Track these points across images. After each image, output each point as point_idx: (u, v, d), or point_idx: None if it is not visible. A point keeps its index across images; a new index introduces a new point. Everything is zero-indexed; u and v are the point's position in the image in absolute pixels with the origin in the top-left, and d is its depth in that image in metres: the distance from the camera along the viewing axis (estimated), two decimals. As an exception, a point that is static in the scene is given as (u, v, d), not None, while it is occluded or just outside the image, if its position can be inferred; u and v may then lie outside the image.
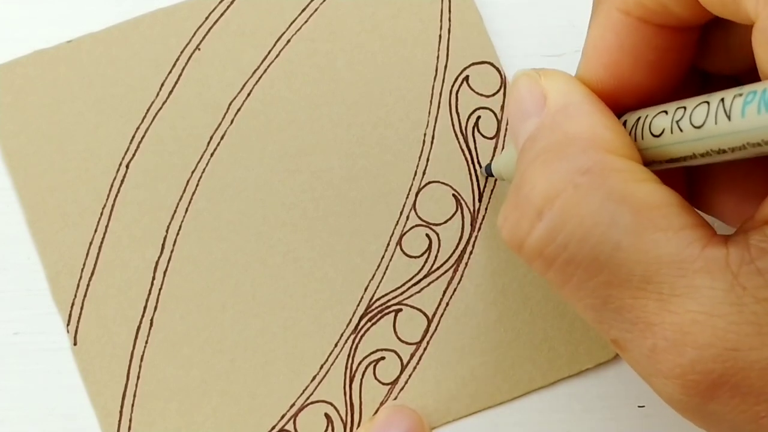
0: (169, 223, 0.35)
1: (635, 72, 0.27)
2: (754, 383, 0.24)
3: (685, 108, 0.25)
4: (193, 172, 0.35)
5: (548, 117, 0.27)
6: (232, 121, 0.35)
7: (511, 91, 0.28)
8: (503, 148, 0.36)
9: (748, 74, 0.27)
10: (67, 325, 0.34)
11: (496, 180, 0.36)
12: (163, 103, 0.35)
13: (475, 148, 0.36)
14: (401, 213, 0.35)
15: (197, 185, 0.35)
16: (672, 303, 0.24)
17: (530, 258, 0.26)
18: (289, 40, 0.36)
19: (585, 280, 0.25)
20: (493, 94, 0.36)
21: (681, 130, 0.25)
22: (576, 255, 0.25)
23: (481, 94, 0.36)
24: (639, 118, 0.26)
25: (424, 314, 0.35)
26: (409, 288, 0.35)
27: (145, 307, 0.34)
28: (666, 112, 0.25)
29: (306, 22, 0.36)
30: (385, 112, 0.36)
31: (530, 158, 0.26)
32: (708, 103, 0.24)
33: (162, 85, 0.35)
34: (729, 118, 0.23)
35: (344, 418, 0.35)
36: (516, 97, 0.28)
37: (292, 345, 0.35)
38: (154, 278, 0.35)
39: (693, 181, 0.30)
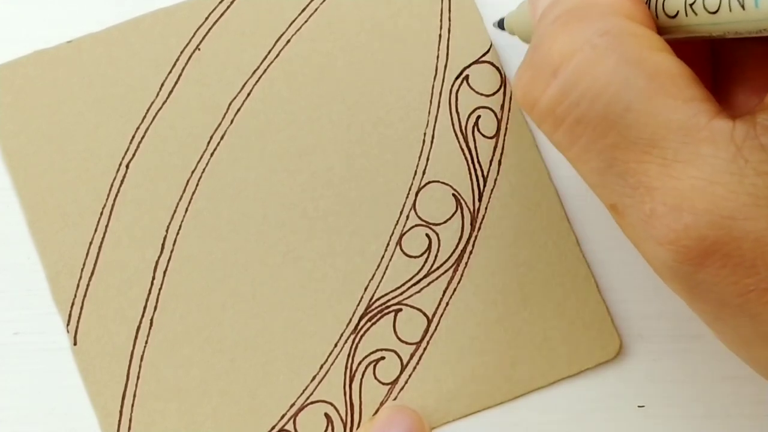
0: (169, 223, 0.35)
1: None
2: (745, 254, 0.24)
3: None
4: (193, 172, 0.35)
5: None
6: (232, 121, 0.35)
7: None
8: (504, 148, 0.36)
9: None
10: (67, 325, 0.34)
11: (496, 180, 0.36)
12: (163, 103, 0.35)
13: (475, 147, 0.36)
14: (401, 213, 0.35)
15: (197, 185, 0.35)
16: (674, 168, 0.25)
17: (542, 117, 0.26)
18: (289, 40, 0.36)
19: (593, 140, 0.26)
20: (493, 94, 0.36)
21: (696, 14, 0.25)
22: (587, 113, 0.25)
23: (481, 94, 0.36)
24: None
25: (424, 314, 0.35)
26: (409, 288, 0.35)
27: (145, 307, 0.35)
28: None
29: (306, 22, 0.36)
30: (385, 112, 0.36)
31: (550, 20, 0.27)
32: None
33: (162, 85, 0.35)
34: (743, 7, 0.24)
35: (344, 418, 0.35)
36: None
37: (292, 345, 0.35)
38: (154, 278, 0.35)
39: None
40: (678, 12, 0.26)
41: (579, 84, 0.25)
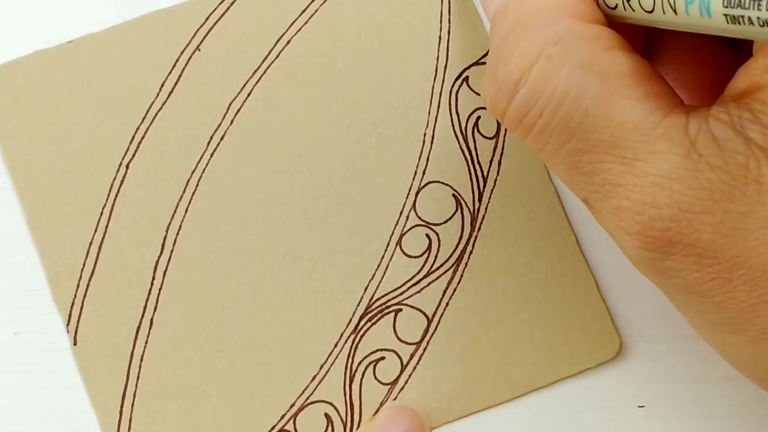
0: (169, 223, 0.35)
1: None
2: (706, 246, 0.25)
3: None
4: (193, 172, 0.35)
5: None
6: (232, 122, 0.35)
7: None
8: (504, 148, 0.36)
9: None
10: (67, 325, 0.34)
11: (496, 180, 0.36)
12: (163, 103, 0.35)
13: (475, 148, 0.36)
14: (401, 213, 0.35)
15: (197, 185, 0.35)
16: (634, 167, 0.26)
17: (511, 126, 0.28)
18: (289, 41, 0.36)
19: (558, 147, 0.27)
20: (493, 95, 0.36)
21: (633, 10, 0.26)
22: (549, 122, 0.27)
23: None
24: None
25: (424, 314, 0.35)
26: (409, 288, 0.35)
27: (145, 307, 0.34)
28: None
29: (306, 22, 0.36)
30: (385, 112, 0.36)
31: (504, 32, 0.28)
32: None
33: (162, 85, 0.35)
34: (675, 12, 0.25)
35: (344, 418, 0.35)
36: None
37: (292, 345, 0.35)
38: (154, 278, 0.35)
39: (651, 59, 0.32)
40: (617, 5, 0.27)
41: (539, 96, 0.27)
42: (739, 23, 0.22)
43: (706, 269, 0.26)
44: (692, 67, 0.31)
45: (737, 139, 0.25)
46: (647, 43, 0.32)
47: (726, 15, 0.23)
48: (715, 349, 0.29)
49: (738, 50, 0.31)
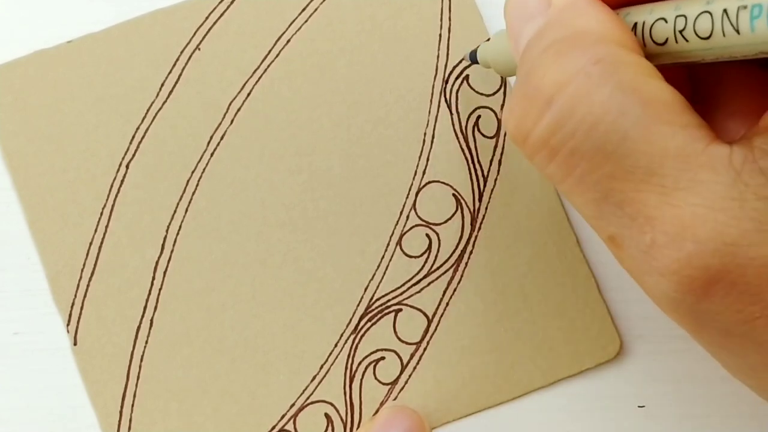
0: (169, 223, 0.35)
1: None
2: (750, 281, 0.23)
3: (685, 17, 0.25)
4: (193, 172, 0.35)
5: (556, 14, 0.27)
6: (232, 121, 0.35)
7: None
8: (504, 148, 0.36)
9: None
10: (67, 325, 0.34)
11: (496, 180, 0.36)
12: (163, 103, 0.35)
13: (476, 147, 0.36)
14: (401, 213, 0.35)
15: (197, 185, 0.35)
16: (674, 196, 0.24)
17: (535, 148, 0.26)
18: (289, 40, 0.36)
19: (589, 171, 0.25)
20: (494, 94, 0.36)
21: (687, 41, 0.25)
22: (583, 144, 0.25)
23: (482, 94, 0.36)
24: (637, 24, 0.26)
25: (424, 314, 0.35)
26: (409, 288, 0.35)
27: (145, 307, 0.35)
28: (665, 20, 0.25)
29: (306, 22, 0.36)
30: (385, 112, 0.36)
31: (540, 50, 0.26)
32: (710, 13, 0.24)
33: (162, 85, 0.35)
34: (738, 32, 0.23)
35: (344, 418, 0.35)
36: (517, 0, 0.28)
37: (292, 345, 0.35)
38: (154, 278, 0.35)
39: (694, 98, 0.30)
40: (667, 39, 0.25)
41: (574, 114, 0.25)
42: None
43: (749, 308, 0.24)
44: (747, 97, 0.29)
45: None
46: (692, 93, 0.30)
47: None
48: (755, 391, 0.27)
49: None
